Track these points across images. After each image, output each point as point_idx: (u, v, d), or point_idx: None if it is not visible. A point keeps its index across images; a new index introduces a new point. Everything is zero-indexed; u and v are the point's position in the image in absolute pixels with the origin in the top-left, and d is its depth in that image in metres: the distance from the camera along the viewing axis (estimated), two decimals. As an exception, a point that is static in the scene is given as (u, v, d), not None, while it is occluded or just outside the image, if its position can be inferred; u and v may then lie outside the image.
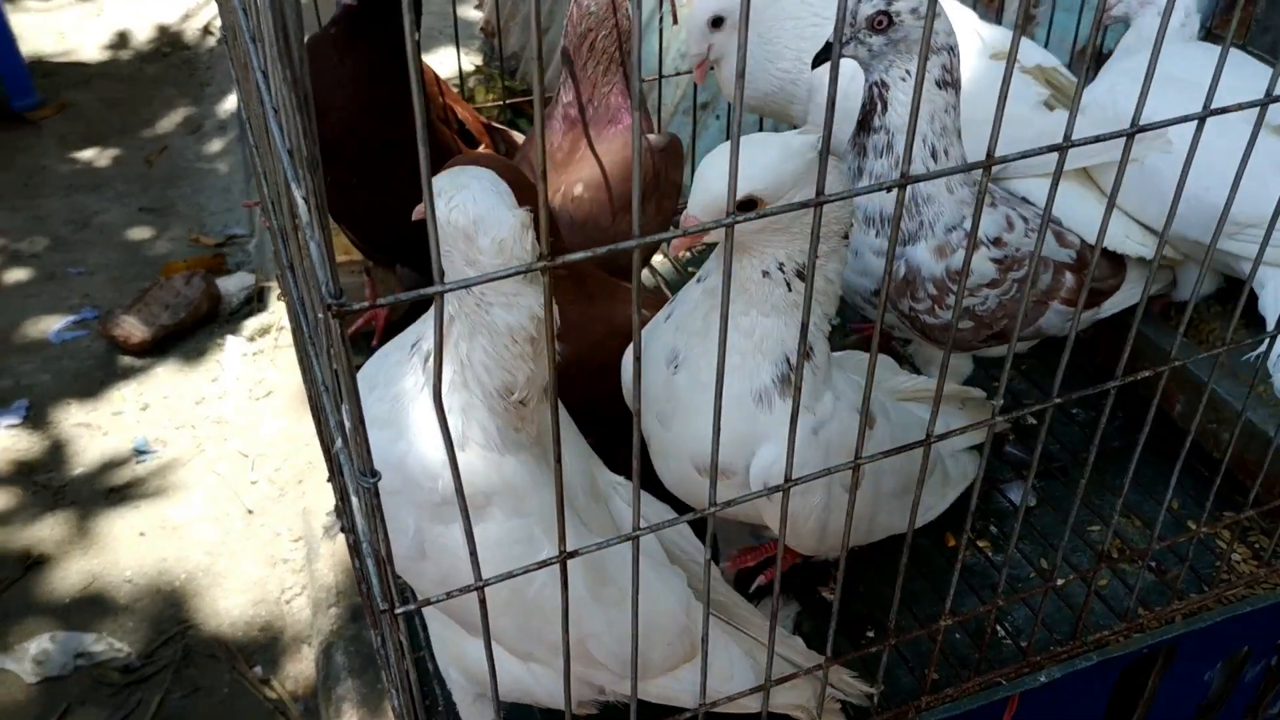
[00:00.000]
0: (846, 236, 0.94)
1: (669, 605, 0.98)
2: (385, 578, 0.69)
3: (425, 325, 0.95)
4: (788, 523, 0.97)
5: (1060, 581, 1.11)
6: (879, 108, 1.16)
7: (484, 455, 0.90)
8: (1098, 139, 0.75)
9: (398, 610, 0.72)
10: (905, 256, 1.19)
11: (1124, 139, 0.77)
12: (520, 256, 0.86)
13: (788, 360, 0.95)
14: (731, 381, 0.92)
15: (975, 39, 1.43)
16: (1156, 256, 0.94)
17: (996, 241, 1.21)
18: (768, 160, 0.87)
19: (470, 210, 0.86)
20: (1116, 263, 1.35)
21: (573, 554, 0.76)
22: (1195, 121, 0.80)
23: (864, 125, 1.18)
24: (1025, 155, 0.74)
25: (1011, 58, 0.67)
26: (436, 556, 0.93)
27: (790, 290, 0.92)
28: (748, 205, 0.88)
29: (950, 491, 1.21)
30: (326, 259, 0.56)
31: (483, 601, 0.72)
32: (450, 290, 0.59)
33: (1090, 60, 0.76)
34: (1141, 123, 0.75)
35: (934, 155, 1.16)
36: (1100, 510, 1.38)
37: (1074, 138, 0.72)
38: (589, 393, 1.05)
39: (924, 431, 1.05)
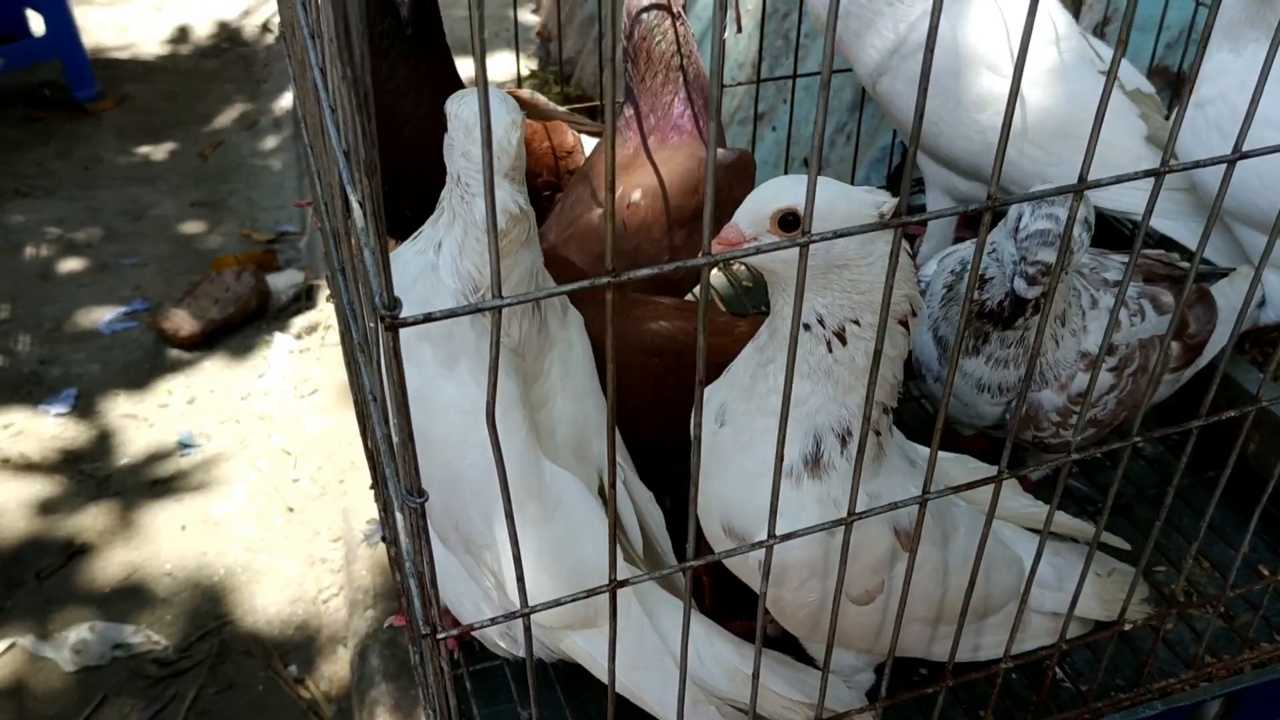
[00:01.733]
0: (905, 325, 0.87)
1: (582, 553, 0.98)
2: (427, 599, 0.66)
3: (435, 230, 1.02)
4: (780, 609, 0.94)
5: (1129, 627, 1.05)
6: (1029, 311, 1.09)
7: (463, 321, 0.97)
8: (1198, 164, 0.71)
9: (440, 635, 0.69)
10: (1027, 398, 1.15)
11: (1225, 166, 0.72)
12: (507, 146, 0.94)
13: (817, 438, 0.88)
14: (766, 448, 0.87)
15: (1083, 48, 1.38)
16: (1258, 278, 0.87)
17: (1109, 349, 1.15)
18: (824, 190, 0.81)
19: (474, 104, 0.93)
20: (1209, 306, 1.28)
21: (623, 583, 0.72)
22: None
23: (994, 318, 1.10)
24: (1119, 179, 0.69)
25: (1111, 76, 0.62)
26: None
27: (830, 353, 0.85)
28: (789, 220, 0.81)
29: (1028, 643, 1.07)
30: (381, 267, 0.53)
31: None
32: (508, 305, 0.56)
33: (1188, 88, 0.71)
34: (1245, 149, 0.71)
35: (1062, 321, 1.13)
36: (1166, 550, 1.32)
37: (1178, 159, 0.67)
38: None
39: (1013, 574, 1.00)
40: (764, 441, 0.87)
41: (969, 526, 0.98)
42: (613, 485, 0.67)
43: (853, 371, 0.86)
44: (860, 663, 1.01)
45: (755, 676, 0.85)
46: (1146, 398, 0.80)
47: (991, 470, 0.84)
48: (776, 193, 0.82)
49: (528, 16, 4.16)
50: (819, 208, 0.77)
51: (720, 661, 0.97)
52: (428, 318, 0.54)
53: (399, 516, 0.66)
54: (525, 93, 1.54)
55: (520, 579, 0.69)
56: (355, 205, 0.58)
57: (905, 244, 0.83)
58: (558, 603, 0.72)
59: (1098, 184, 0.68)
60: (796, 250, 0.79)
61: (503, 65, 3.98)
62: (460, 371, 0.96)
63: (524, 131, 0.96)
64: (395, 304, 0.54)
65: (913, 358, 1.20)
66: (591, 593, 0.72)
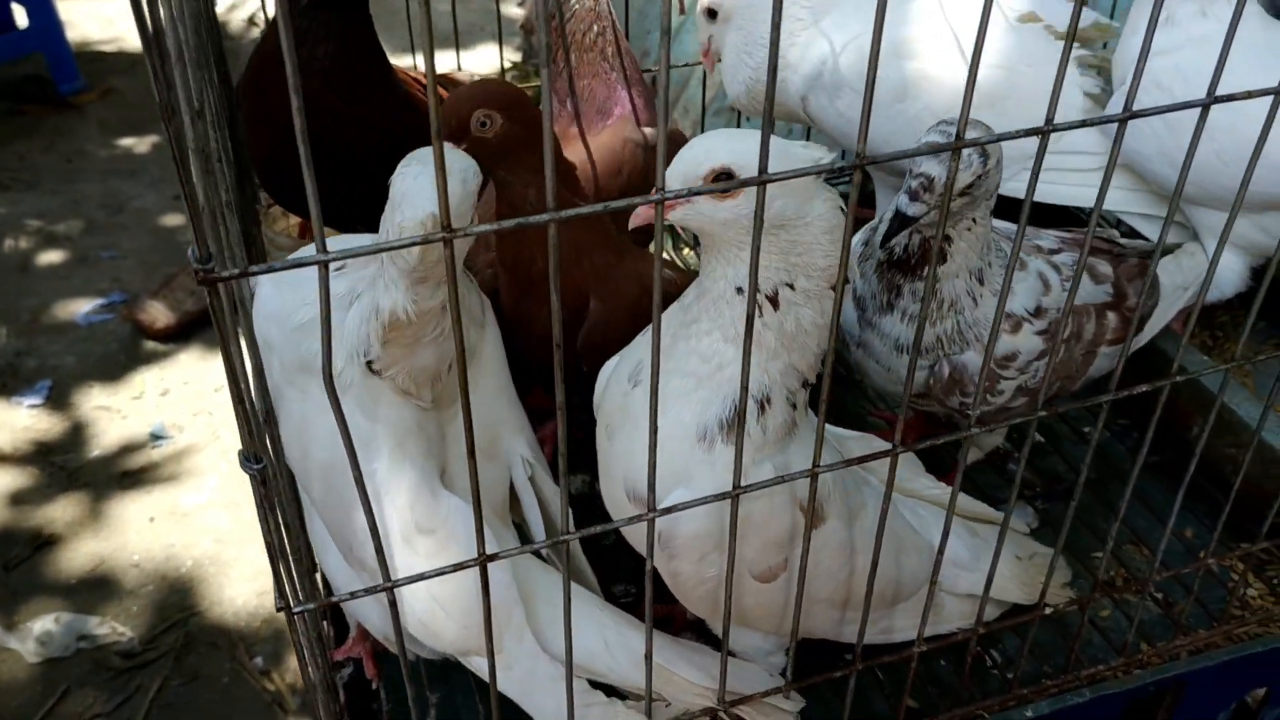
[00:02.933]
0: (833, 287, 0.84)
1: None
2: (278, 569, 0.65)
3: (360, 276, 0.96)
4: (679, 584, 0.91)
5: (1049, 610, 1.03)
6: (937, 260, 1.07)
7: (346, 357, 0.93)
8: (1084, 123, 0.68)
9: (296, 609, 0.67)
10: (948, 359, 1.12)
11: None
12: (407, 254, 0.87)
13: (736, 403, 0.85)
14: (680, 408, 0.86)
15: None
16: (1220, 245, 0.85)
17: (1038, 312, 1.12)
18: (754, 147, 0.79)
19: (405, 184, 0.86)
20: (1152, 281, 1.26)
21: (492, 557, 0.70)
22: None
23: (905, 267, 1.08)
24: (1000, 138, 0.67)
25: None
26: (284, 420, 0.97)
27: (761, 317, 0.83)
28: (724, 178, 0.79)
29: (943, 625, 1.06)
30: (193, 219, 0.51)
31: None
32: (331, 260, 0.54)
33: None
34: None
35: (980, 279, 1.09)
36: (1107, 537, 1.30)
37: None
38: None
39: (924, 559, 0.97)
40: (677, 403, 0.86)
41: (877, 507, 0.95)
42: (471, 455, 0.65)
43: (779, 337, 0.84)
44: (769, 645, 0.98)
45: (649, 657, 0.83)
46: (1081, 367, 0.77)
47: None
48: (708, 150, 0.80)
49: (513, 10, 4.14)
50: (754, 162, 0.75)
51: (629, 650, 0.95)
52: (244, 273, 0.52)
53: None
54: (464, 75, 1.53)
55: (379, 551, 0.67)
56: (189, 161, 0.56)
57: (842, 204, 0.81)
58: (421, 576, 0.70)
59: (975, 142, 0.66)
60: (732, 213, 0.78)
61: (488, 57, 3.97)
62: (346, 403, 0.93)
63: (434, 220, 0.88)
64: (209, 258, 0.52)
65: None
66: (459, 566, 0.70)
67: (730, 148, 0.79)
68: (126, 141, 3.84)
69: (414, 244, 0.55)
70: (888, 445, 0.99)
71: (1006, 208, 1.16)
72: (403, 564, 0.91)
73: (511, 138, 1.05)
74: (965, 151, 0.95)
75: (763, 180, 0.62)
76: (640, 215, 0.80)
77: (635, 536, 0.94)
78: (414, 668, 1.10)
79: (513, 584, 0.93)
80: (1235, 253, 1.37)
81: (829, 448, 0.94)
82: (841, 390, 1.50)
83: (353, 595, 0.68)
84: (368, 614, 1.00)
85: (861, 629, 0.89)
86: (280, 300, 0.96)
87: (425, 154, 0.89)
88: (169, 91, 0.47)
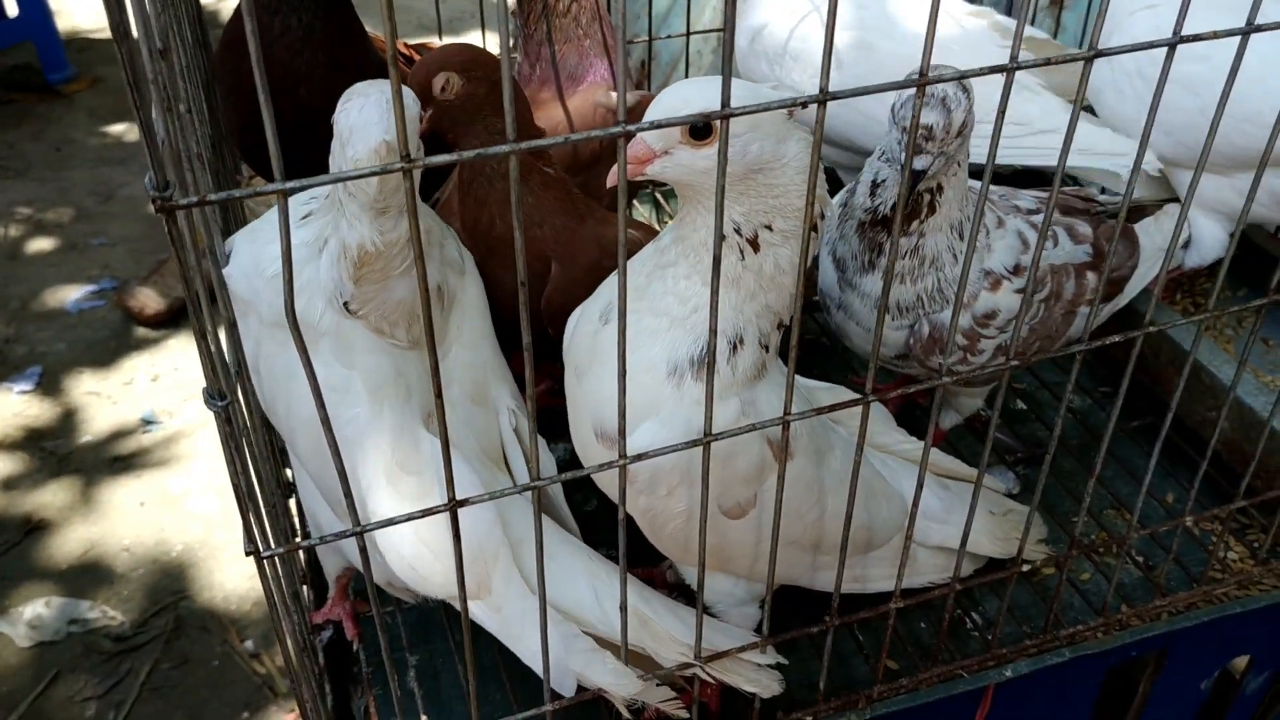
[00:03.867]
0: (815, 229, 0.85)
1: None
2: (246, 513, 0.64)
3: (320, 194, 0.98)
4: (651, 520, 0.91)
5: (1027, 568, 1.03)
6: (924, 212, 1.06)
7: (324, 302, 0.94)
8: (1049, 61, 0.68)
9: (265, 554, 0.67)
10: (929, 318, 1.11)
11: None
12: (363, 185, 0.88)
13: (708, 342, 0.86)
14: (651, 345, 0.86)
15: None
16: (1187, 206, 0.85)
17: (1016, 270, 1.11)
18: (732, 91, 0.79)
19: (351, 118, 0.88)
20: (1131, 241, 1.26)
21: (461, 503, 0.70)
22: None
23: (888, 224, 1.07)
24: (966, 74, 0.67)
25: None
26: (267, 376, 0.97)
27: (742, 259, 0.84)
28: (703, 130, 0.79)
29: (917, 578, 1.07)
30: (148, 146, 0.51)
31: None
32: (291, 191, 0.54)
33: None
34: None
35: (959, 233, 1.09)
36: (1084, 499, 1.30)
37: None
38: None
39: (895, 507, 0.97)
40: (649, 341, 0.86)
41: (844, 451, 0.95)
42: (438, 395, 0.65)
43: (758, 279, 0.85)
44: (741, 591, 0.98)
45: (623, 608, 0.83)
46: (1061, 327, 0.77)
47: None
48: (683, 99, 0.79)
49: (504, -4, 4.13)
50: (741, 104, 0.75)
51: (618, 601, 0.95)
52: (202, 201, 0.52)
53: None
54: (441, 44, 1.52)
55: (349, 496, 0.67)
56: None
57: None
58: (390, 522, 0.69)
59: (939, 79, 0.66)
60: (711, 160, 0.77)
61: (476, 42, 3.96)
62: (322, 351, 0.95)
63: (390, 147, 0.89)
64: (166, 185, 0.52)
65: (817, 289, 1.18)
66: (427, 512, 0.70)
67: (704, 94, 0.78)
68: (116, 129, 3.84)
69: (374, 174, 0.55)
70: (857, 395, 1.00)
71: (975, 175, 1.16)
72: (387, 508, 0.91)
73: (472, 97, 1.05)
74: (952, 91, 0.96)
75: (725, 115, 0.62)
76: (613, 176, 0.80)
77: (606, 481, 0.94)
78: (393, 629, 1.10)
79: (498, 524, 0.94)
80: (1214, 218, 1.37)
81: (797, 394, 0.94)
82: (824, 359, 1.50)
83: (323, 539, 0.68)
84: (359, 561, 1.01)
85: (839, 576, 0.89)
86: (255, 256, 0.96)
87: (362, 88, 0.91)
88: (120, 12, 0.47)
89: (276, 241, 0.96)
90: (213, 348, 0.58)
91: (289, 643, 0.76)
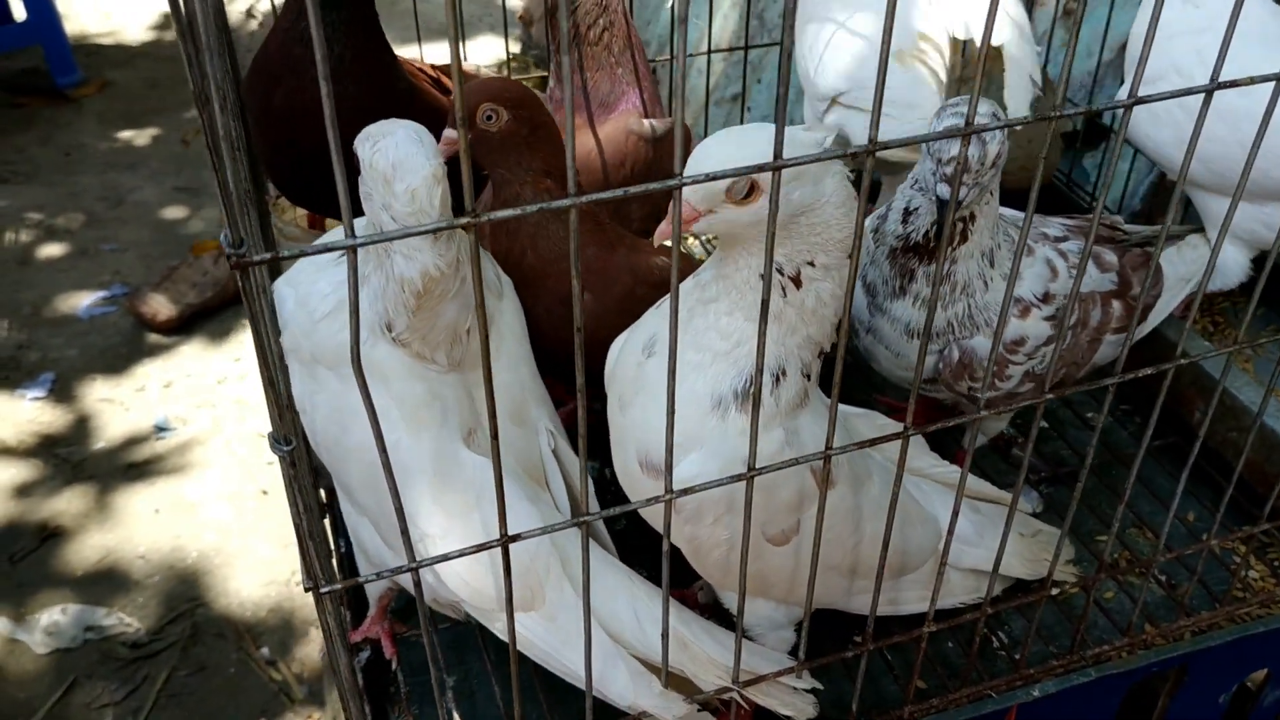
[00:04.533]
0: (849, 256, 0.86)
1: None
2: (307, 550, 0.66)
3: (364, 262, 0.98)
4: (695, 547, 0.93)
5: (1056, 591, 1.04)
6: (956, 241, 1.08)
7: (366, 333, 0.96)
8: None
9: (323, 590, 0.68)
10: (958, 343, 1.13)
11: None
12: (428, 207, 0.90)
13: (752, 376, 0.87)
14: (695, 378, 0.87)
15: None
16: (1222, 234, 0.86)
17: (1045, 298, 1.13)
18: (769, 143, 0.79)
19: (390, 155, 0.89)
20: (1155, 271, 1.27)
21: (514, 538, 0.72)
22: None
23: (921, 251, 1.09)
24: (1010, 124, 0.68)
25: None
26: (311, 410, 1.00)
27: (785, 297, 0.85)
28: (745, 190, 0.80)
29: (949, 599, 1.09)
30: (225, 205, 0.52)
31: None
32: (361, 245, 0.55)
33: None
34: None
35: (991, 262, 1.10)
36: (1111, 521, 1.32)
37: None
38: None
39: (929, 532, 0.99)
40: (693, 375, 0.88)
41: (881, 477, 0.97)
42: (494, 436, 0.67)
43: (800, 314, 0.86)
44: (780, 615, 1.00)
45: (664, 635, 0.84)
46: (1086, 354, 0.78)
47: (899, 428, 0.83)
48: (720, 158, 0.79)
49: (512, 0, 4.14)
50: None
51: (659, 624, 0.97)
52: (275, 257, 0.53)
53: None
54: (470, 67, 1.54)
55: (405, 531, 0.69)
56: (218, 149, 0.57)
57: (849, 176, 0.83)
58: (445, 558, 0.71)
59: (983, 128, 0.67)
60: (755, 215, 0.79)
61: (488, 48, 3.98)
62: (393, 391, 0.97)
63: (445, 181, 0.93)
64: (241, 243, 0.53)
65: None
66: (481, 547, 0.72)
67: (746, 155, 0.78)
68: (125, 134, 3.84)
69: (439, 229, 0.56)
70: (893, 421, 1.01)
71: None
72: (436, 525, 0.93)
73: (514, 135, 1.07)
74: (985, 114, 0.98)
75: (777, 167, 0.63)
76: (661, 234, 0.80)
77: (651, 512, 0.95)
78: (431, 649, 1.11)
79: (546, 538, 0.95)
80: (1237, 245, 1.39)
81: (842, 427, 0.95)
82: (848, 377, 1.51)
83: (379, 575, 0.69)
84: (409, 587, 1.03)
85: (875, 600, 0.90)
86: (301, 300, 0.99)
87: (383, 128, 0.93)
88: (203, 81, 0.49)
89: (319, 283, 0.99)
90: (279, 395, 0.59)
91: (344, 675, 0.78)
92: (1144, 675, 1.14)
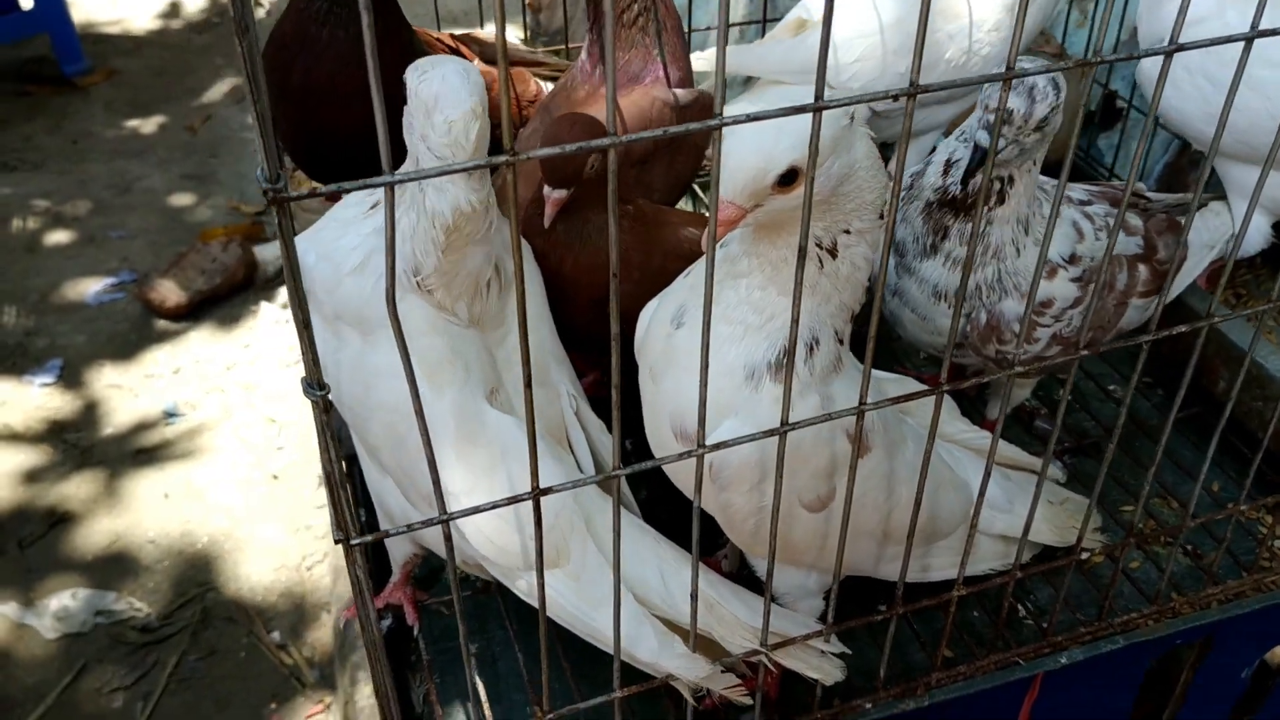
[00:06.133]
0: (883, 217, 0.85)
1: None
2: (337, 501, 0.65)
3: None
4: (729, 516, 0.92)
5: (1085, 555, 1.03)
6: (994, 200, 1.07)
7: (379, 290, 0.94)
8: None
9: (353, 541, 0.67)
10: (987, 307, 1.11)
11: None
12: (464, 141, 0.89)
13: (785, 346, 0.85)
14: (728, 350, 0.87)
15: None
16: (1253, 205, 0.85)
17: (1072, 259, 1.12)
18: (804, 127, 0.74)
19: (435, 86, 0.90)
20: (1179, 236, 1.26)
21: (545, 491, 0.71)
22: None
23: (958, 206, 1.08)
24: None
25: None
26: (334, 367, 0.99)
27: (821, 267, 0.84)
28: (790, 177, 0.77)
29: (979, 565, 1.07)
30: (262, 143, 0.51)
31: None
32: (399, 182, 0.54)
33: None
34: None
35: (1025, 227, 1.09)
36: (1136, 491, 1.30)
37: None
38: None
39: (961, 497, 0.98)
40: (725, 347, 0.87)
41: (915, 443, 0.96)
42: (528, 385, 0.66)
43: (834, 282, 0.85)
44: (810, 583, 0.99)
45: (694, 596, 0.83)
46: (1113, 318, 0.77)
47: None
48: (769, 158, 0.76)
49: (518, -12, 4.13)
50: (824, 143, 0.72)
51: (684, 585, 0.95)
52: (313, 192, 0.52)
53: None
54: (487, 34, 1.52)
55: (436, 483, 0.68)
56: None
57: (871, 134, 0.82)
58: (476, 510, 0.70)
59: (1023, 73, 0.66)
60: (800, 193, 0.76)
61: (490, 33, 3.96)
62: (380, 340, 0.97)
63: (485, 119, 0.91)
64: (280, 178, 0.52)
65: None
66: (513, 500, 0.70)
67: (786, 146, 0.76)
68: (132, 122, 3.84)
69: (478, 166, 0.55)
70: (924, 386, 1.00)
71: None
72: (461, 482, 0.93)
73: (604, 171, 1.06)
74: (1043, 84, 0.97)
75: (818, 108, 0.62)
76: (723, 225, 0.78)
77: (682, 476, 0.94)
78: (451, 618, 1.11)
79: (570, 495, 0.95)
80: (1259, 212, 1.38)
81: (870, 385, 0.94)
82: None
83: (410, 527, 0.68)
84: (438, 544, 1.01)
85: (905, 565, 0.89)
86: (327, 253, 0.98)
87: (434, 59, 0.94)
88: (243, 8, 0.47)
89: (345, 237, 0.98)
90: (312, 339, 0.58)
91: (372, 629, 0.77)
92: (1171, 645, 1.12)
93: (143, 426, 2.67)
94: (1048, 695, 1.09)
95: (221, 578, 2.33)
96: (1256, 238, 1.38)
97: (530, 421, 0.67)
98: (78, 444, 2.61)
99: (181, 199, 3.45)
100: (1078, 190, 1.16)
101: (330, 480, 0.64)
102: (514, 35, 3.61)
